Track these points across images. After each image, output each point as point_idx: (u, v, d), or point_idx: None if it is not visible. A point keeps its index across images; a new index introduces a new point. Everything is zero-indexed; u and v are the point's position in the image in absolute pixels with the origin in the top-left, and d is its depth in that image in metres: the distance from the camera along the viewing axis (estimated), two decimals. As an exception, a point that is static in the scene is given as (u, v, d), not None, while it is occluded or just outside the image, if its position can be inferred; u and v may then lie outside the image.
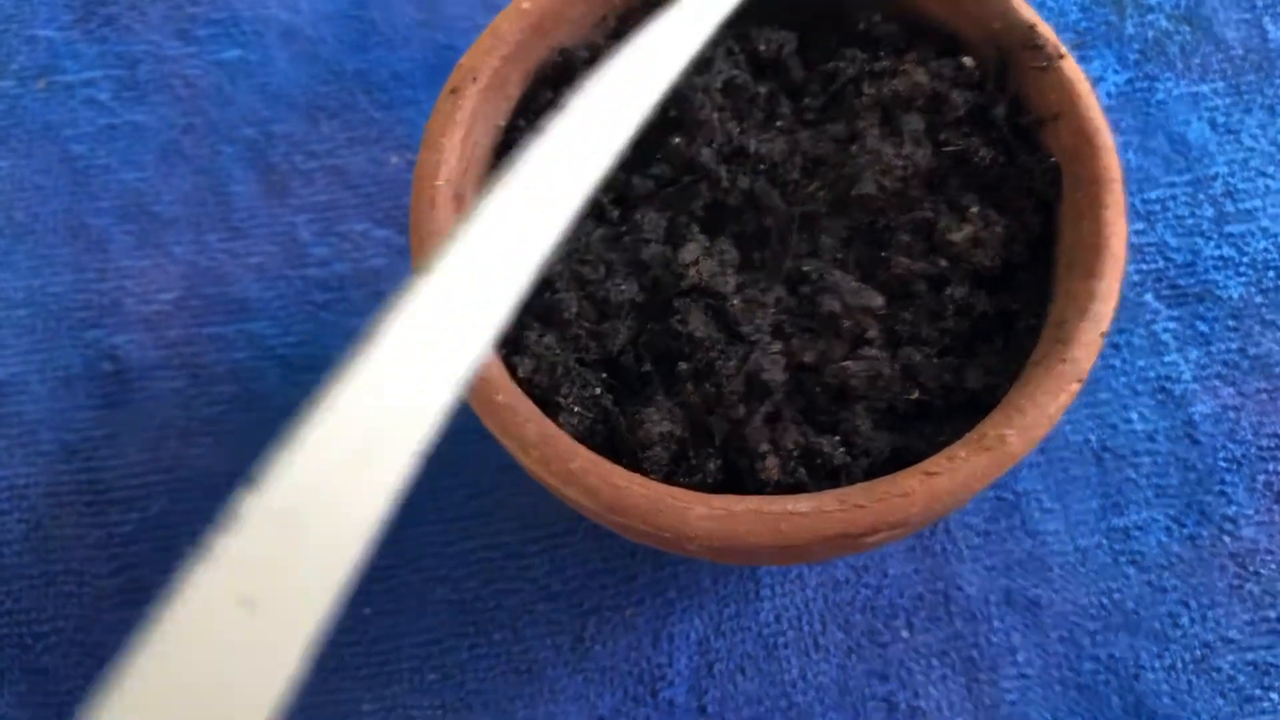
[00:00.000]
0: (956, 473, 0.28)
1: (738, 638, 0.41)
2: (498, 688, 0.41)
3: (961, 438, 0.29)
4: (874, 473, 0.30)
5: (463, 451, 0.44)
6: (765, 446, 0.29)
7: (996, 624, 0.41)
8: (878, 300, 0.30)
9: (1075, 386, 0.28)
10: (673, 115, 0.33)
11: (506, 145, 0.34)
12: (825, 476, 0.30)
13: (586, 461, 0.28)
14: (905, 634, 0.41)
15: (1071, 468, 0.43)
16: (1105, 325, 0.29)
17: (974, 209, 0.32)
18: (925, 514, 0.28)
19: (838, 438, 0.30)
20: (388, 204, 0.48)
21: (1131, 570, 0.41)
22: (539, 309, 0.32)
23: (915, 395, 0.30)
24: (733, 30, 0.35)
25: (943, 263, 0.31)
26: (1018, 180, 0.32)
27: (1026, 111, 0.33)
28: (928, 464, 0.28)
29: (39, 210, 0.48)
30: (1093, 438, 0.43)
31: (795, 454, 0.30)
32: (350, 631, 0.41)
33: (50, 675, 0.41)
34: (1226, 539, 0.41)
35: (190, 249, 0.48)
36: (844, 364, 0.30)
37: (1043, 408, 0.28)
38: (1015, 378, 0.30)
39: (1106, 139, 0.30)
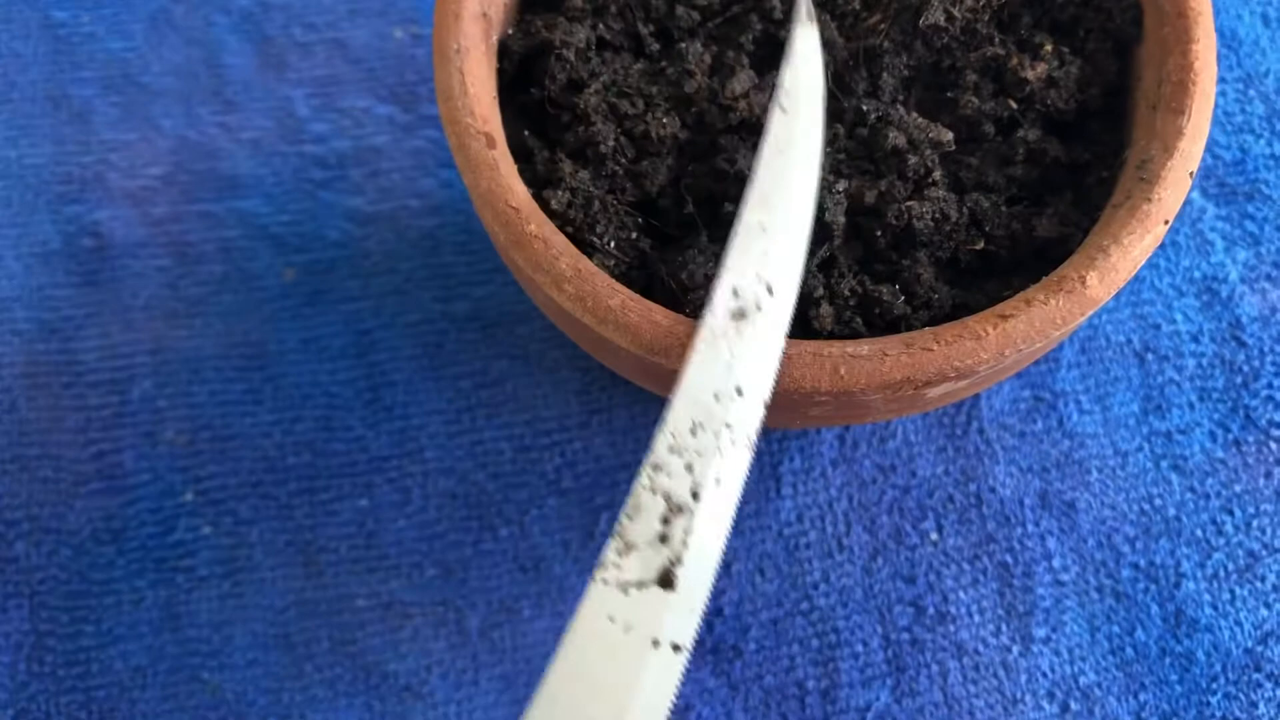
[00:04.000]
0: (1033, 316, 0.25)
1: (757, 537, 0.39)
2: (502, 584, 0.38)
3: (1029, 288, 0.26)
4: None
5: (470, 338, 0.41)
6: (820, 292, 0.27)
7: (1031, 528, 0.39)
8: (947, 135, 0.28)
9: (1162, 229, 0.26)
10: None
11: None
12: (884, 328, 0.27)
13: (627, 298, 0.26)
14: (934, 536, 0.39)
15: (1112, 368, 0.40)
16: (1194, 165, 0.26)
17: (1049, 47, 0.29)
18: (996, 361, 0.25)
19: (897, 286, 0.27)
20: (391, 80, 0.45)
21: (1173, 475, 0.39)
22: (573, 145, 0.29)
23: (980, 245, 0.28)
24: None
25: (1013, 104, 0.29)
26: (1094, 19, 0.30)
27: (1105, -54, 0.31)
28: (1002, 307, 0.25)
29: (16, 79, 0.45)
30: (1134, 338, 0.41)
31: (852, 302, 0.27)
32: (346, 524, 0.39)
33: (21, 563, 0.39)
34: (1273, 445, 0.39)
35: (180, 122, 0.45)
36: (908, 203, 0.27)
37: (1126, 249, 0.26)
38: (1087, 230, 0.28)
39: (1196, -31, 0.28)
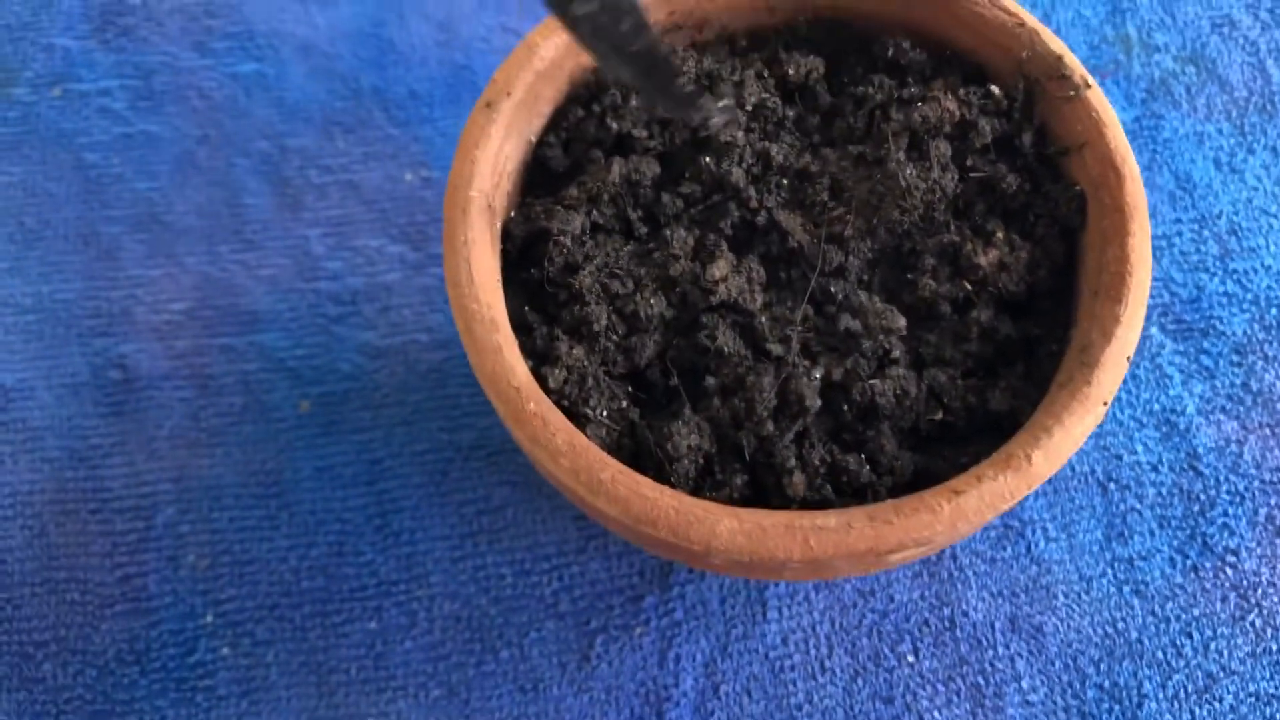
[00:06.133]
0: (984, 492, 0.28)
1: (744, 659, 0.41)
2: (503, 705, 0.41)
3: (982, 460, 0.29)
4: (898, 491, 0.30)
5: (474, 467, 0.44)
6: (793, 463, 0.30)
7: (1001, 650, 0.41)
8: (900, 321, 0.31)
9: (1101, 410, 0.29)
10: (703, 135, 0.34)
11: (537, 160, 0.35)
12: (851, 494, 0.30)
13: (616, 472, 0.28)
14: (911, 658, 0.41)
15: (1077, 497, 0.43)
16: (1130, 350, 0.29)
17: (1000, 234, 0.32)
18: (950, 532, 0.28)
19: (863, 456, 0.30)
20: (402, 220, 0.48)
21: (1135, 599, 0.42)
22: (569, 323, 0.32)
23: (939, 416, 0.31)
24: (763, 55, 0.36)
25: (968, 286, 0.32)
26: (1043, 207, 0.33)
27: (1052, 140, 0.34)
28: (955, 483, 0.28)
29: (50, 217, 0.48)
30: (1098, 468, 0.43)
31: (822, 471, 0.30)
32: (356, 645, 0.41)
33: (48, 683, 0.41)
34: (1229, 570, 0.42)
35: (202, 260, 0.48)
36: (871, 382, 0.30)
37: (1069, 429, 0.28)
38: (1037, 402, 0.31)
39: (1133, 167, 0.31)
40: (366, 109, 0.50)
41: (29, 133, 0.50)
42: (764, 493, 0.30)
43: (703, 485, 0.30)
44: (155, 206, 0.49)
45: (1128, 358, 0.29)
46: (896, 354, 0.31)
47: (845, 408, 0.31)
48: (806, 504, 0.30)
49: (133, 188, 0.49)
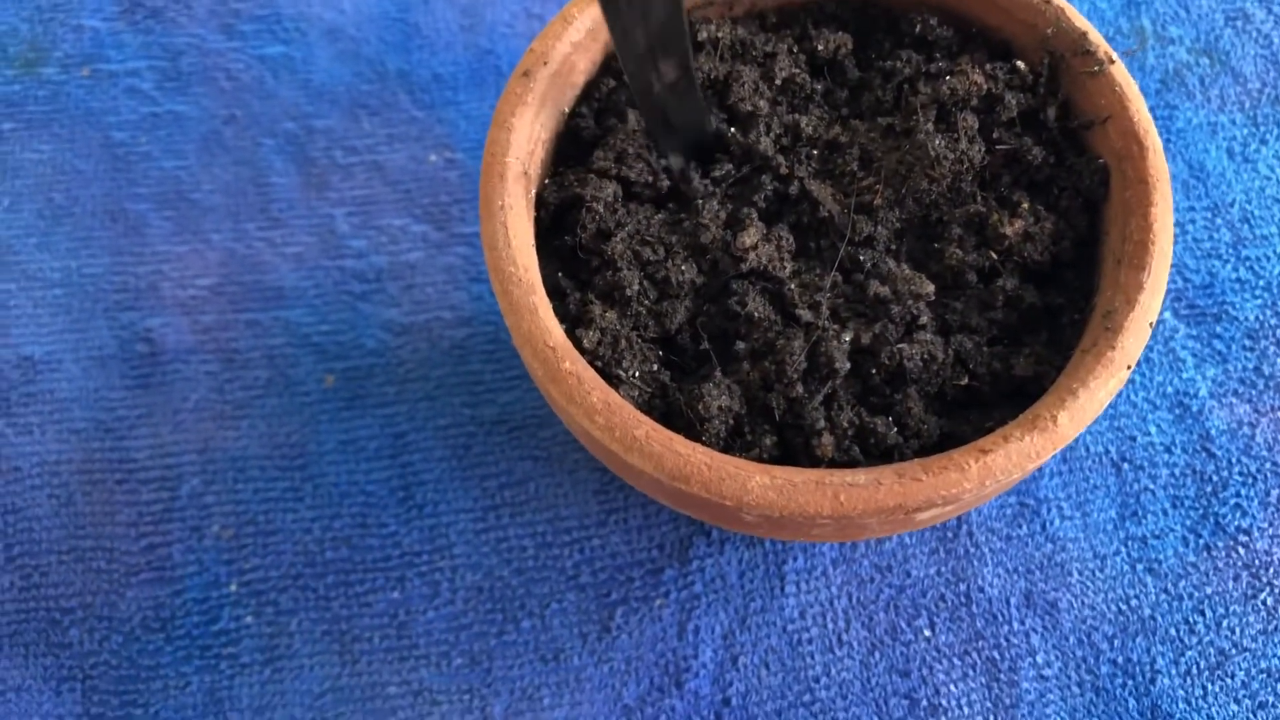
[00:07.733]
0: (1011, 451, 0.29)
1: (763, 632, 0.42)
2: (524, 675, 0.41)
3: (1007, 424, 0.30)
4: (924, 454, 0.31)
5: (496, 441, 0.44)
6: (822, 424, 0.30)
7: (1016, 625, 0.42)
8: (929, 287, 0.32)
9: (1125, 373, 0.29)
10: (735, 108, 0.35)
11: (570, 131, 0.35)
12: (878, 456, 0.31)
13: (650, 429, 0.29)
14: (927, 633, 0.42)
15: (1091, 477, 0.44)
16: (1153, 316, 0.30)
17: (1025, 205, 0.33)
18: (978, 490, 0.29)
19: (891, 419, 0.31)
20: (426, 200, 0.49)
21: (1148, 577, 0.42)
22: (601, 288, 0.32)
23: (965, 381, 0.31)
24: (793, 31, 0.37)
25: (994, 255, 0.33)
26: (1067, 180, 0.34)
27: (1076, 114, 0.35)
28: (983, 442, 0.29)
29: (79, 194, 0.49)
30: (1112, 449, 0.44)
31: (850, 433, 0.31)
32: (379, 615, 0.42)
33: (74, 649, 0.41)
34: (1241, 550, 0.42)
35: (228, 237, 0.48)
36: (899, 346, 0.31)
37: (1094, 392, 0.29)
38: (1060, 368, 0.31)
39: (1155, 140, 0.32)
40: (392, 92, 0.51)
41: (58, 111, 0.51)
42: (793, 454, 0.31)
43: (732, 446, 0.31)
44: (182, 184, 0.49)
45: (1150, 323, 0.30)
46: (924, 320, 0.32)
47: (873, 371, 0.31)
48: (835, 465, 0.30)
49: (160, 166, 0.50)
